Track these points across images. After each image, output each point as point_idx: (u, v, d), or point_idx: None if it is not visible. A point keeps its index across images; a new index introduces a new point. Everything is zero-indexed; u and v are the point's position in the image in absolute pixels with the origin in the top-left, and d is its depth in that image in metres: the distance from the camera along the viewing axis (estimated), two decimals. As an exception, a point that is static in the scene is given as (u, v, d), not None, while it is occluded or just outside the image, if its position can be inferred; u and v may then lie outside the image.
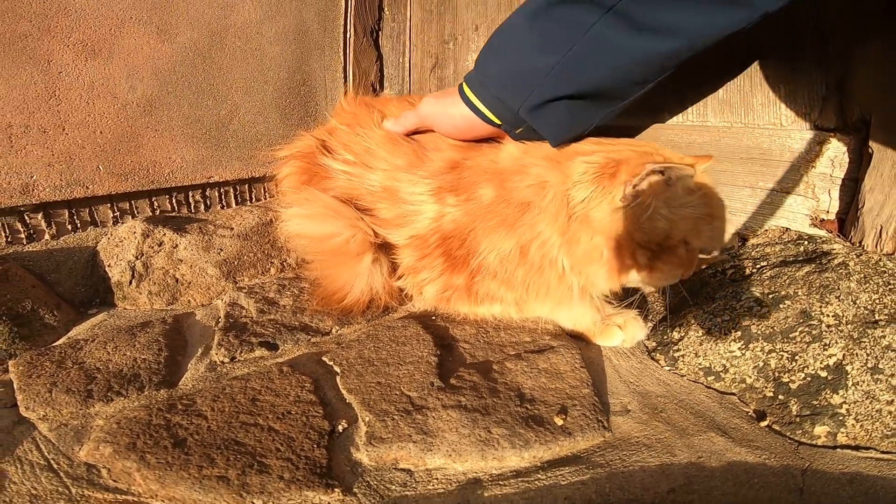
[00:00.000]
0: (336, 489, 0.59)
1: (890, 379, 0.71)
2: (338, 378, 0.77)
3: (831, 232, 0.95)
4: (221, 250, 1.02)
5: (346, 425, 0.69)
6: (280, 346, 0.86)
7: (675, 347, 0.87)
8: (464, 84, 0.85)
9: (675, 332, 0.89)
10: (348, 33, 1.38)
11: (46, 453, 0.63)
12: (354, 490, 0.60)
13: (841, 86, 0.92)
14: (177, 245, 0.99)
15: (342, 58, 1.37)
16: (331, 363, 0.81)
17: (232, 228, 1.05)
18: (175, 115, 1.08)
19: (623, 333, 0.90)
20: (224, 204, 1.19)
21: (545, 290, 0.87)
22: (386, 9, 1.47)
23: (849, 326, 0.76)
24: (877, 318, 0.77)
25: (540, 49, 0.74)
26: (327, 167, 1.01)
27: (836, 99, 0.92)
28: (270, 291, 0.99)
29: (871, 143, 0.89)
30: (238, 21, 1.15)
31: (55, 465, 0.61)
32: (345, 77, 1.37)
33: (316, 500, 0.58)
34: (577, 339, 0.93)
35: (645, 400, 0.80)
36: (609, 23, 0.68)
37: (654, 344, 0.92)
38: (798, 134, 0.97)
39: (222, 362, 0.82)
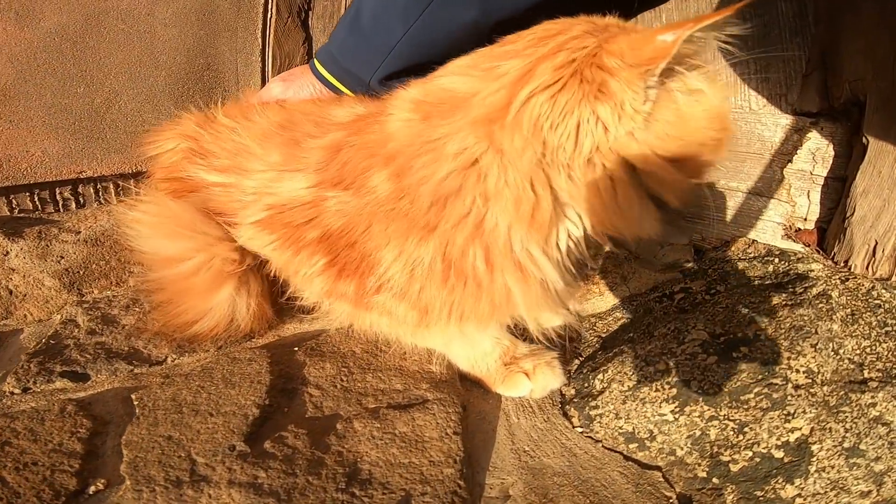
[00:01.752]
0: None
1: (873, 464, 0.47)
2: (128, 425, 0.59)
3: (809, 245, 0.70)
4: (62, 258, 0.85)
5: (102, 487, 0.53)
6: (92, 376, 0.69)
7: (594, 403, 0.65)
8: (315, 60, 0.80)
9: (597, 380, 0.67)
10: (269, 13, 1.20)
11: None
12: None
13: (825, 59, 0.67)
14: (8, 252, 0.83)
15: (260, 40, 1.19)
16: (136, 404, 0.63)
17: (79, 232, 0.88)
18: (34, 104, 0.93)
19: (531, 382, 0.68)
20: (103, 201, 1.03)
21: (487, 308, 0.58)
22: (320, -13, 1.29)
23: (825, 388, 0.53)
24: (865, 375, 0.53)
25: (385, 23, 0.70)
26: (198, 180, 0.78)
27: (820, 76, 0.68)
28: (116, 307, 0.82)
29: (866, 132, 0.64)
30: (123, 2, 0.99)
31: None
32: (263, 61, 1.20)
33: None
34: (476, 386, 0.72)
35: (536, 480, 0.58)
36: None
37: (572, 392, 0.69)
38: (771, 119, 0.72)
39: (11, 393, 0.66)
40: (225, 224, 0.73)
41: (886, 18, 0.65)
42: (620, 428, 0.61)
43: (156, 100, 1.05)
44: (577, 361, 0.76)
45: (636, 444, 0.60)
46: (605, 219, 0.52)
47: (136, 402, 0.63)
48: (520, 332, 0.72)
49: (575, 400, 0.68)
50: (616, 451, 0.61)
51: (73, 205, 1.00)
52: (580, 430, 0.64)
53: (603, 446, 0.62)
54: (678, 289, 0.73)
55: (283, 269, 0.72)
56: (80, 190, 1.00)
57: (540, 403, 0.69)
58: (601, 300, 0.87)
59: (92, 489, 0.52)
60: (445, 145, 0.52)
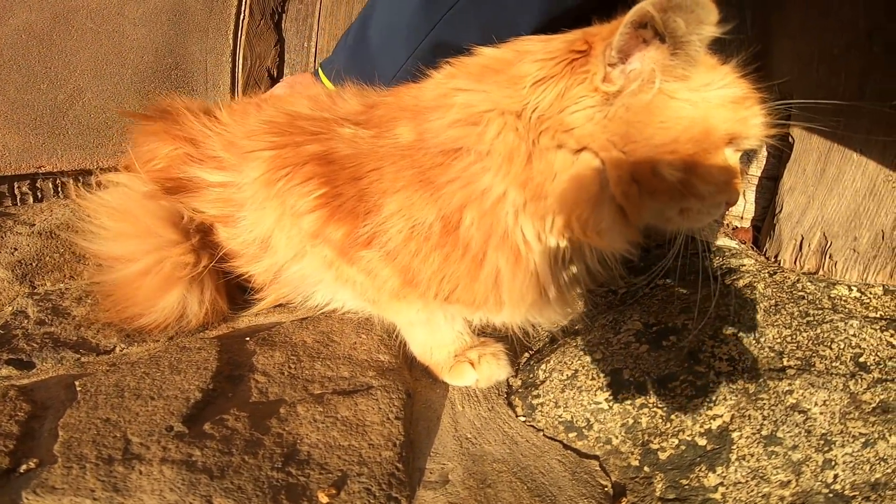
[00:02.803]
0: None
1: (790, 452, 0.50)
2: (68, 409, 0.60)
3: (745, 243, 0.74)
4: (16, 250, 0.85)
5: (33, 466, 0.53)
6: (37, 364, 0.69)
7: (535, 392, 0.67)
8: (320, 70, 0.85)
9: (540, 370, 0.69)
10: (242, 15, 1.23)
11: None
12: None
13: (759, 61, 0.73)
14: (-40, 242, 0.83)
15: (231, 41, 1.21)
16: (79, 389, 0.63)
17: (34, 225, 0.88)
18: (-4, 99, 0.94)
19: (475, 372, 0.70)
20: (62, 196, 1.03)
21: (485, 289, 0.55)
22: (294, -9, 1.33)
23: (745, 376, 0.55)
24: (785, 363, 0.56)
25: (391, 49, 0.77)
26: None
27: (754, 77, 0.74)
28: (67, 299, 0.82)
29: (792, 131, 0.69)
30: (93, 2, 1.01)
31: None
32: (233, 62, 1.22)
33: None
34: (425, 375, 0.74)
35: (475, 466, 0.60)
36: None
37: (519, 383, 0.71)
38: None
39: (-46, 381, 0.65)
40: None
41: (809, 20, 0.70)
42: (560, 416, 0.63)
43: (120, 97, 1.06)
44: (527, 354, 0.79)
45: (575, 434, 0.62)
46: (570, 215, 0.50)
47: (78, 388, 0.64)
48: (477, 327, 0.75)
49: (520, 390, 0.70)
50: (556, 440, 0.63)
51: (31, 199, 1.00)
52: (523, 419, 0.66)
53: (544, 435, 0.64)
54: (622, 284, 0.76)
55: (264, 216, 0.67)
56: (38, 185, 1.00)
57: (486, 393, 0.71)
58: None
59: (23, 468, 0.52)
60: (456, 97, 0.55)
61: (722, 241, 0.76)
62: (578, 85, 0.49)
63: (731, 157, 0.51)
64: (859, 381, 0.54)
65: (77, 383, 0.66)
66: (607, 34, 0.47)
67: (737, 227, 0.76)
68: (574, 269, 0.56)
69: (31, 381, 0.67)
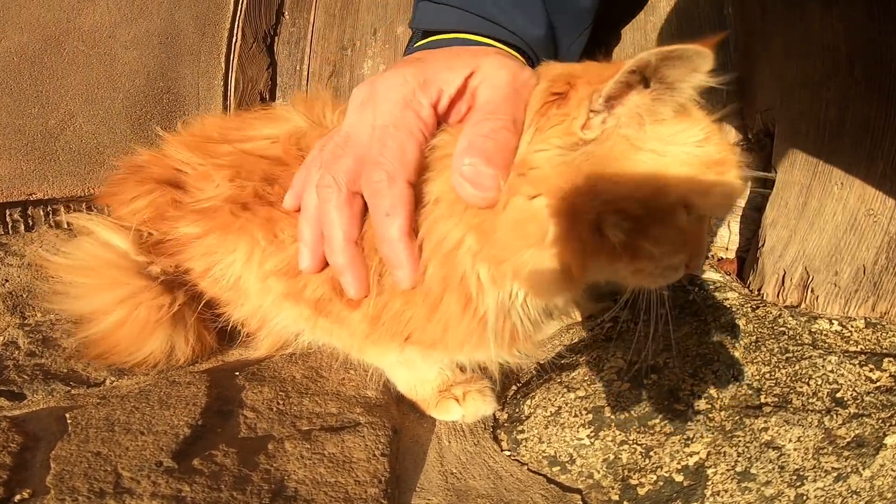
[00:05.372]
0: None
1: (763, 488, 0.54)
2: (59, 441, 0.64)
3: (729, 274, 0.78)
4: (7, 281, 0.90)
5: (27, 496, 0.56)
6: (28, 395, 0.74)
7: (521, 427, 0.71)
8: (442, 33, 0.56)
9: (525, 406, 0.74)
10: (234, 38, 1.29)
11: None
12: None
13: (743, 89, 0.77)
14: (-49, 273, 0.88)
15: (223, 64, 1.27)
16: (70, 422, 0.68)
17: (24, 256, 0.93)
18: (-13, 124, 0.99)
19: (461, 408, 0.74)
20: (52, 224, 1.08)
21: (438, 331, 0.56)
22: (286, 13, 1.38)
23: (722, 413, 0.60)
24: (762, 400, 0.61)
25: None
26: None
27: (738, 106, 0.78)
28: (58, 331, 0.86)
29: (774, 164, 0.73)
30: (85, 24, 1.06)
31: None
32: (225, 85, 1.28)
33: None
34: (413, 410, 0.78)
35: (460, 501, 0.64)
36: None
37: (505, 416, 0.76)
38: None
39: (-52, 414, 0.69)
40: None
41: (791, 45, 0.74)
42: (544, 451, 0.67)
43: (112, 122, 1.12)
44: (514, 387, 0.83)
45: (558, 468, 0.66)
46: (508, 261, 0.49)
47: (69, 421, 0.68)
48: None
49: (506, 424, 0.74)
50: (540, 474, 0.67)
51: (22, 227, 1.05)
52: (508, 453, 0.71)
53: (528, 469, 0.68)
54: (609, 318, 0.80)
55: (234, 261, 0.68)
56: (29, 212, 1.05)
57: (472, 427, 0.76)
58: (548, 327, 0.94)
59: (17, 498, 0.56)
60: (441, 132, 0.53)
61: (707, 274, 0.80)
62: (551, 128, 0.47)
63: (694, 219, 0.50)
64: (835, 416, 0.59)
65: (68, 416, 0.70)
66: (595, 79, 0.45)
67: (722, 259, 0.80)
68: (535, 309, 0.57)
69: (23, 412, 0.71)
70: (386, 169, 0.45)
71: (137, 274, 0.76)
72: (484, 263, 0.51)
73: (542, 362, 0.87)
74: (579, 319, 0.90)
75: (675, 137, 0.48)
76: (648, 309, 0.55)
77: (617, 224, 0.46)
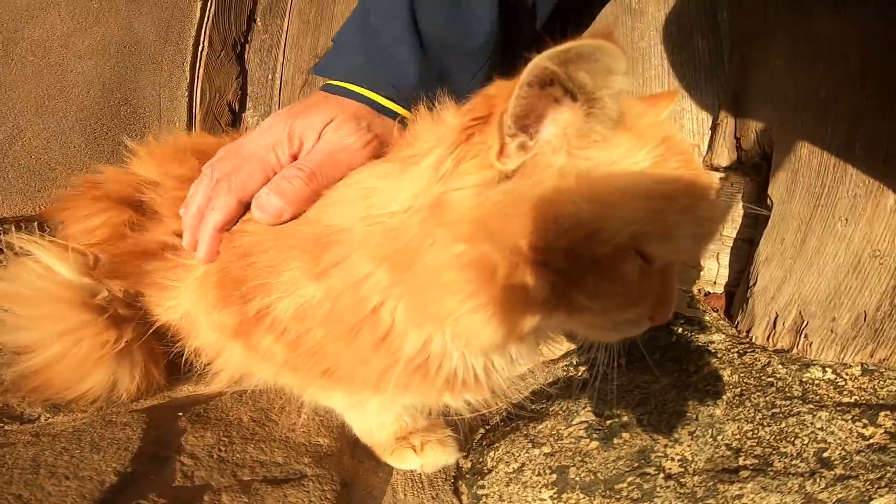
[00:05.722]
0: None
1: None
2: (-21, 487, 0.59)
3: (717, 311, 0.72)
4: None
5: None
6: (-49, 438, 0.69)
7: (482, 482, 0.66)
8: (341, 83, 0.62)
9: (488, 457, 0.68)
10: (201, 46, 1.23)
11: None
12: None
13: (737, 103, 0.70)
14: None
15: (188, 74, 1.21)
16: (-3, 461, 0.63)
17: (-39, 283, 0.88)
18: (-71, 139, 0.94)
19: (419, 458, 0.68)
20: (2, 247, 1.03)
21: (353, 364, 0.52)
22: (258, 19, 1.33)
23: (695, 479, 0.54)
24: (741, 462, 0.55)
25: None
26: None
27: (731, 124, 0.71)
28: (-6, 364, 0.81)
29: (770, 192, 0.66)
30: (35, 34, 1.01)
31: None
32: (190, 96, 1.22)
33: None
34: (369, 458, 0.73)
35: (409, 565, 0.59)
36: None
37: (469, 465, 0.70)
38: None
39: None
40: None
41: (797, 54, 0.65)
42: (505, 511, 0.62)
43: (64, 136, 1.06)
44: (482, 430, 0.77)
45: (520, 529, 0.60)
46: (420, 297, 0.45)
47: (-9, 464, 0.63)
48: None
49: (468, 476, 0.68)
50: (500, 536, 0.61)
51: (-32, 248, 1.00)
52: (467, 509, 0.65)
53: (488, 529, 0.62)
54: (584, 359, 0.75)
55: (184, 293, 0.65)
56: (-24, 232, 1.00)
57: (431, 478, 0.70)
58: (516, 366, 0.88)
59: None
60: (353, 176, 0.55)
61: (692, 312, 0.74)
62: (470, 160, 0.41)
63: (641, 269, 0.41)
64: (818, 480, 0.53)
65: (-8, 457, 0.65)
66: (507, 95, 0.39)
67: (709, 293, 0.74)
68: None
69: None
70: (232, 183, 0.57)
71: (81, 305, 0.71)
72: (401, 302, 0.47)
73: (513, 402, 0.82)
74: (556, 356, 0.85)
75: (616, 165, 0.40)
76: (610, 361, 0.48)
77: (540, 277, 0.40)
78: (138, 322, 0.73)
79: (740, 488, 0.52)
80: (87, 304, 0.70)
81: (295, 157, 0.57)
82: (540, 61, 0.36)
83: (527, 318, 0.42)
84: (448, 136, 0.43)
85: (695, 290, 0.76)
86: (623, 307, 0.42)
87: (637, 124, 0.42)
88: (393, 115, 0.58)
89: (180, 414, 0.76)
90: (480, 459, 0.69)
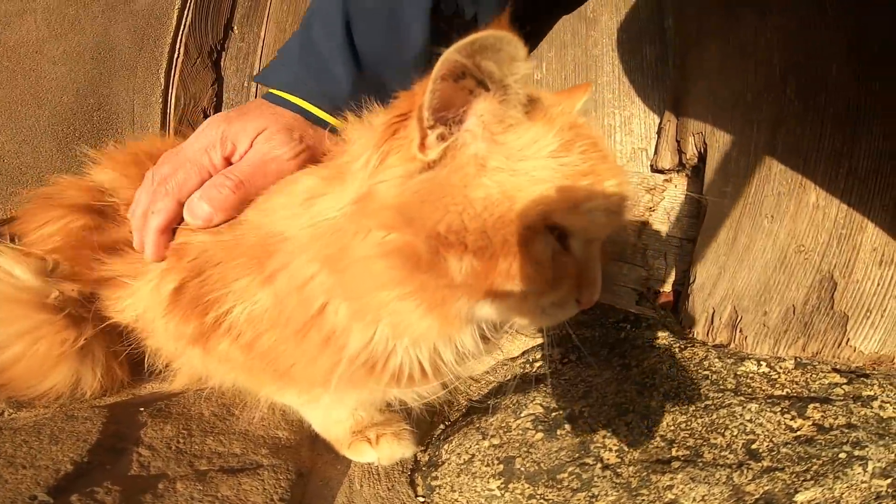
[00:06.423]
0: None
1: (666, 553, 0.52)
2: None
3: (665, 309, 0.76)
4: None
5: None
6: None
7: (435, 474, 0.68)
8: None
9: (443, 450, 0.71)
10: (177, 53, 1.26)
11: None
12: None
13: (678, 107, 0.74)
14: None
15: (163, 80, 1.24)
16: (-44, 457, 0.65)
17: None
18: None
19: (375, 451, 0.71)
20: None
21: (303, 363, 0.55)
22: (235, 27, 1.36)
23: (630, 469, 0.58)
24: (673, 454, 0.58)
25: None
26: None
27: (674, 127, 0.75)
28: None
29: (706, 192, 0.70)
30: (10, 40, 1.03)
31: None
32: (164, 102, 1.25)
33: None
34: (328, 451, 0.75)
35: (361, 552, 0.61)
36: None
37: (426, 459, 0.73)
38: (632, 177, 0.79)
39: None
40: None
41: (727, 59, 0.68)
42: (456, 500, 0.65)
43: (36, 141, 1.08)
44: (442, 426, 0.80)
45: (470, 518, 0.63)
46: (353, 292, 0.48)
47: (-45, 455, 0.65)
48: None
49: (423, 468, 0.71)
50: (451, 525, 0.64)
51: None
52: (422, 499, 0.68)
53: (440, 518, 0.65)
54: (539, 356, 0.78)
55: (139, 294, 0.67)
56: (-55, 235, 1.02)
57: (388, 471, 0.73)
58: (478, 362, 0.92)
59: None
60: (300, 179, 0.57)
61: (639, 310, 0.78)
62: (394, 154, 0.45)
63: (554, 248, 0.45)
64: (745, 471, 0.57)
65: (-45, 450, 0.67)
66: (424, 90, 0.42)
67: (659, 292, 0.78)
68: (428, 350, 0.53)
69: None
70: (170, 186, 0.60)
71: (38, 306, 0.73)
72: (343, 300, 0.50)
73: (474, 398, 0.85)
74: (514, 355, 0.88)
75: (527, 150, 0.44)
76: (562, 357, 0.51)
77: (460, 261, 0.43)
78: (96, 321, 0.75)
79: (671, 479, 0.55)
80: (44, 305, 0.72)
81: (228, 159, 0.60)
82: (449, 55, 0.39)
83: (454, 304, 0.45)
84: (374, 134, 0.47)
85: (645, 289, 0.80)
86: (542, 291, 0.45)
87: (549, 112, 0.46)
88: (327, 125, 0.61)
89: (142, 409, 0.78)
90: (437, 453, 0.72)
